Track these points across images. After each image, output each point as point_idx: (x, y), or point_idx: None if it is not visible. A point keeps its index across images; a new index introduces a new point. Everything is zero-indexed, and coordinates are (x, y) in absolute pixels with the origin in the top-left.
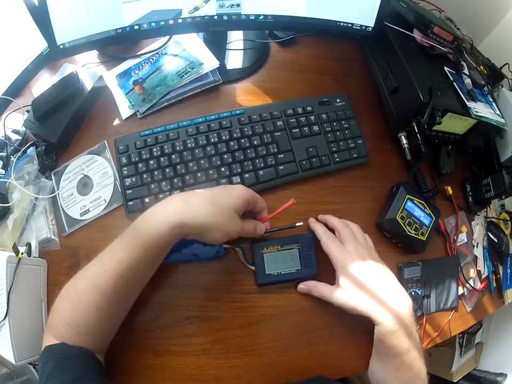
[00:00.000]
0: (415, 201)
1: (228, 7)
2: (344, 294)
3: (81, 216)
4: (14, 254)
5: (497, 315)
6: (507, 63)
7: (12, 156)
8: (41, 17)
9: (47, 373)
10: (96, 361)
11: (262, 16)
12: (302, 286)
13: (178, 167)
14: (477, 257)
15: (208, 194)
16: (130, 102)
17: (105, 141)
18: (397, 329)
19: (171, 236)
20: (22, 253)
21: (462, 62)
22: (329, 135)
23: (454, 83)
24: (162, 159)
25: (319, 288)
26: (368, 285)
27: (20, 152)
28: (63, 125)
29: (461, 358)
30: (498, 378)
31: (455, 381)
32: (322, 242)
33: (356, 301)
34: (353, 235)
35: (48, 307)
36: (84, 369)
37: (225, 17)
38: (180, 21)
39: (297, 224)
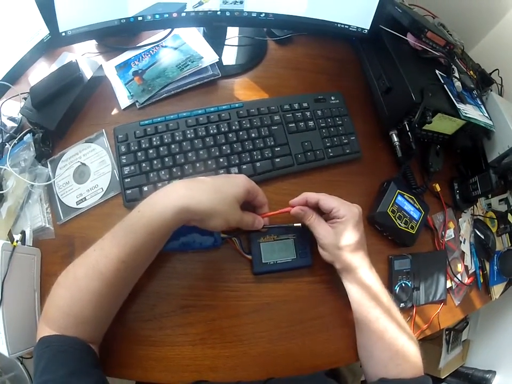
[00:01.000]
0: (405, 196)
1: (231, 3)
2: (336, 238)
3: (77, 204)
4: (9, 242)
5: (483, 313)
6: (497, 69)
7: (6, 143)
8: (46, 5)
9: (43, 366)
10: (91, 353)
11: (264, 14)
12: (298, 210)
13: (178, 156)
14: (464, 252)
15: (211, 182)
16: (130, 92)
17: (104, 130)
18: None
19: (175, 220)
20: (16, 241)
21: (453, 66)
22: (323, 130)
23: (445, 85)
24: (161, 149)
25: (315, 220)
26: (359, 243)
27: (16, 139)
28: (62, 112)
29: (448, 355)
30: (487, 375)
31: (442, 377)
32: (321, 200)
33: (344, 255)
34: None
35: (41, 297)
36: (79, 362)
37: (228, 13)
38: (183, 14)
39: (295, 225)
